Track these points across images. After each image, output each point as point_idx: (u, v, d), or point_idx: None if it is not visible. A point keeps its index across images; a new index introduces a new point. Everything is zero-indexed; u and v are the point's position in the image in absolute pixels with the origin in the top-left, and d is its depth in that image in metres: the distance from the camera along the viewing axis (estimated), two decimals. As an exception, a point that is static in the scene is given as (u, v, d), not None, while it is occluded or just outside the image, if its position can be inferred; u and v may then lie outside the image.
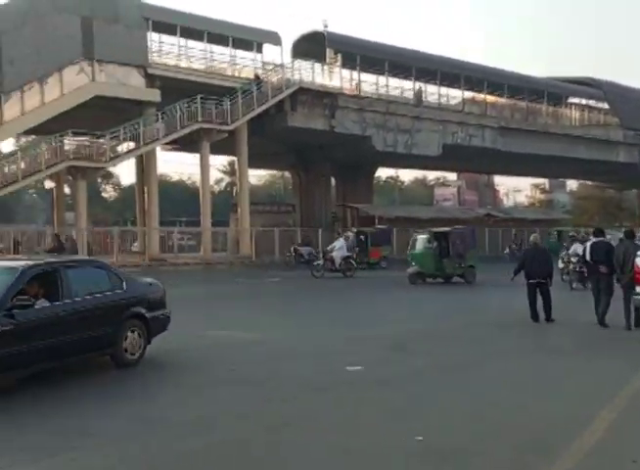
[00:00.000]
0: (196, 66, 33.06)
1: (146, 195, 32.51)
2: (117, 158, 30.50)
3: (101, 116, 29.69)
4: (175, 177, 68.19)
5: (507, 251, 35.22)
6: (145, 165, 32.95)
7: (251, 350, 9.53)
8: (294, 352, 9.39)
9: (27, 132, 34.93)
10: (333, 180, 45.20)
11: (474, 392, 7.05)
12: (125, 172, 68.58)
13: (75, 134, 28.97)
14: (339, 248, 23.55)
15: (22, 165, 27.80)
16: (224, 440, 5.49)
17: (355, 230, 30.25)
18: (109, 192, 69.97)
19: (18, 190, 32.42)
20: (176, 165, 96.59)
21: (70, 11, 28.36)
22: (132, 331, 8.19)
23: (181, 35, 32.45)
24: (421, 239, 21.69)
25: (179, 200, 55.29)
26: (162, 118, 30.16)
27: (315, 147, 38.75)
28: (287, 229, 36.31)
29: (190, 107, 30.38)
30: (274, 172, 67.11)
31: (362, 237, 29.26)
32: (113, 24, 29.37)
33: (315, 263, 23.99)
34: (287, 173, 57.30)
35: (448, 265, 20.66)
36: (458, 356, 9.05)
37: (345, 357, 8.73)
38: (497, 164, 48.45)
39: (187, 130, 30.74)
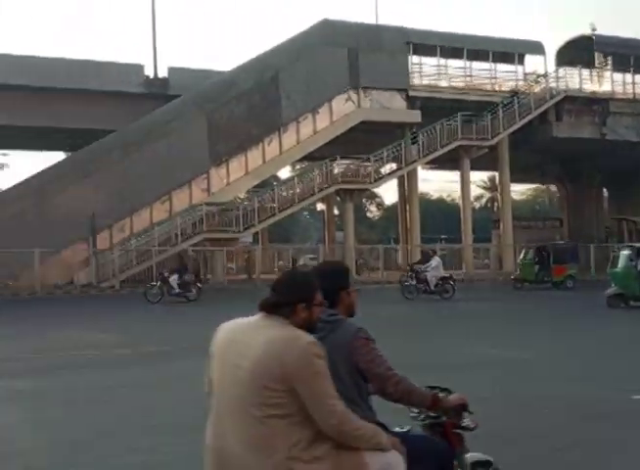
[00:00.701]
0: (454, 83, 33.31)
1: (407, 213, 33.52)
2: (381, 179, 31.95)
3: (364, 139, 31.44)
4: (435, 195, 69.05)
5: None
6: (406, 185, 34.02)
7: (520, 368, 9.25)
8: (569, 374, 8.88)
9: (301, 159, 38.40)
10: (605, 191, 41.92)
11: None
12: (388, 192, 71.42)
13: (342, 158, 31.00)
14: (434, 267, 21.11)
15: (298, 190, 30.54)
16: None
17: (537, 246, 27.97)
18: (372, 212, 73.19)
19: (294, 212, 35.62)
20: (436, 184, 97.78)
21: (338, 44, 30.57)
22: None
23: (441, 55, 32.95)
24: (623, 255, 18.59)
25: (439, 217, 55.83)
26: (422, 138, 30.86)
27: (583, 156, 36.44)
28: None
29: (449, 125, 30.66)
30: (537, 186, 64.35)
31: (544, 253, 26.66)
32: (377, 53, 30.99)
33: (406, 284, 21.75)
34: (551, 187, 54.56)
35: None
36: None
37: (628, 385, 8.02)
38: None
39: (447, 149, 31.08)
